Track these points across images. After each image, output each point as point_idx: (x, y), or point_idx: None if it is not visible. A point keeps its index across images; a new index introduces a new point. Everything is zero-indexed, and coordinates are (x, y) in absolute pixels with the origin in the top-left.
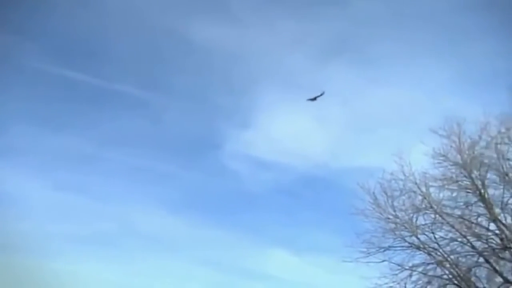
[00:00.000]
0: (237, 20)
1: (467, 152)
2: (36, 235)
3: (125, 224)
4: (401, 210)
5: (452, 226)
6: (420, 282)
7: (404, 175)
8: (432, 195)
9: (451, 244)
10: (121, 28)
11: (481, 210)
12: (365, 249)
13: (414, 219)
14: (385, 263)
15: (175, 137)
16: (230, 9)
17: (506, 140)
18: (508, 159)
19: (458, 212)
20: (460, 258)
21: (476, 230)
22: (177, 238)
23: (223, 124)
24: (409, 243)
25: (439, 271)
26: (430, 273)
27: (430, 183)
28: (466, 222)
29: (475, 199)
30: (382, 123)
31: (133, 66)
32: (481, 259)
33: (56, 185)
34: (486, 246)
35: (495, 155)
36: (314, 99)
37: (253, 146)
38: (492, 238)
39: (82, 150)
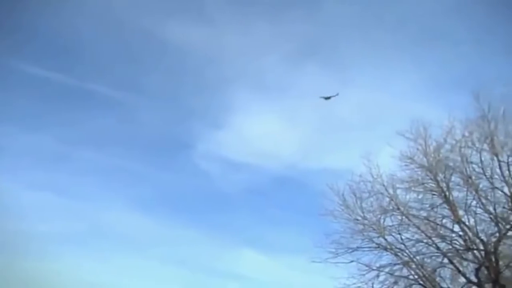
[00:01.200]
0: (211, 21)
1: (432, 155)
2: (8, 234)
3: (97, 223)
4: (369, 211)
5: (418, 228)
6: (387, 282)
7: (372, 177)
8: (399, 197)
9: (417, 245)
10: (95, 28)
11: (446, 212)
12: (334, 250)
13: (382, 221)
14: (353, 263)
15: (148, 136)
16: (204, 11)
17: (470, 144)
18: (471, 163)
19: (424, 214)
20: (425, 259)
21: (441, 232)
22: (149, 237)
23: (195, 124)
24: (376, 244)
25: (405, 271)
26: (397, 273)
27: (397, 185)
28: (432, 224)
29: (440, 201)
30: (352, 125)
31: (107, 66)
32: (446, 260)
33: (29, 184)
34: (450, 247)
35: (459, 159)
36: (328, 98)
37: (225, 146)
38: (456, 240)
39: (55, 149)
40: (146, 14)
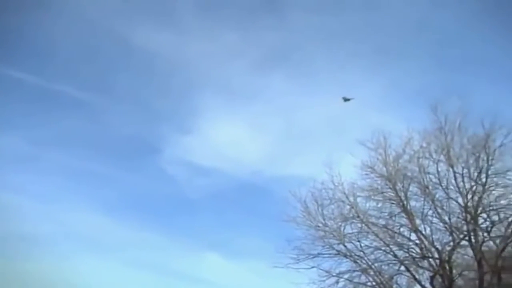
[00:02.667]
0: (180, 25)
1: (392, 165)
2: None
3: (63, 224)
4: (330, 218)
5: (377, 235)
6: None
7: (334, 184)
8: (359, 205)
9: (375, 252)
10: (63, 28)
11: (404, 220)
12: (295, 256)
13: (342, 228)
14: (314, 269)
15: (115, 139)
16: (173, 15)
17: (427, 155)
18: (429, 173)
19: (382, 222)
20: (383, 266)
21: (399, 240)
22: (114, 240)
23: (163, 128)
24: (336, 250)
25: (363, 278)
26: (356, 280)
27: (358, 193)
28: (390, 232)
29: (398, 210)
30: (315, 134)
31: (75, 67)
32: (402, 268)
33: None
34: (407, 255)
35: (417, 169)
36: (348, 100)
37: (192, 151)
38: (412, 248)
39: (21, 150)
40: (115, 16)
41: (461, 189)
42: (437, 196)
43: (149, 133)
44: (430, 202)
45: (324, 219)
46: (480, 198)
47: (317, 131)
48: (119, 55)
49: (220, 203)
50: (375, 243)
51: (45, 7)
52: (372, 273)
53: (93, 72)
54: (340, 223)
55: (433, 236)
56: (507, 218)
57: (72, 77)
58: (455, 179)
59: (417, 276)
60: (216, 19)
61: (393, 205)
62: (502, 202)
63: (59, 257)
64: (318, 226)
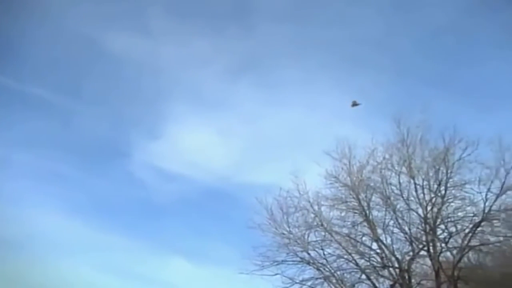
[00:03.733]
0: (151, 31)
1: (356, 175)
2: None
3: (31, 226)
4: (295, 226)
5: (340, 244)
6: None
7: (299, 193)
8: (323, 213)
9: (338, 260)
10: (34, 30)
11: (366, 230)
12: (260, 262)
13: (306, 236)
14: (278, 276)
15: (84, 142)
16: (144, 20)
17: (390, 166)
18: (391, 184)
19: (345, 231)
20: (345, 274)
21: (361, 249)
22: (82, 243)
23: (132, 132)
24: (300, 258)
25: (326, 285)
26: (318, 287)
27: (322, 202)
28: (352, 241)
29: (361, 219)
30: (282, 142)
31: (45, 70)
32: (363, 276)
33: None
34: (368, 264)
35: (379, 180)
36: (356, 105)
37: (160, 156)
38: (373, 257)
39: None
40: (87, 20)
41: (421, 201)
42: (398, 206)
43: (118, 137)
44: (392, 213)
45: (289, 227)
46: (439, 209)
47: (284, 140)
48: (90, 58)
49: (187, 208)
50: (338, 252)
51: (15, 10)
52: (334, 281)
53: (63, 75)
54: (304, 231)
55: (394, 246)
56: (464, 229)
57: (42, 80)
58: (416, 190)
59: (377, 285)
60: (186, 26)
61: (356, 214)
62: (460, 214)
63: (27, 260)
64: (283, 234)
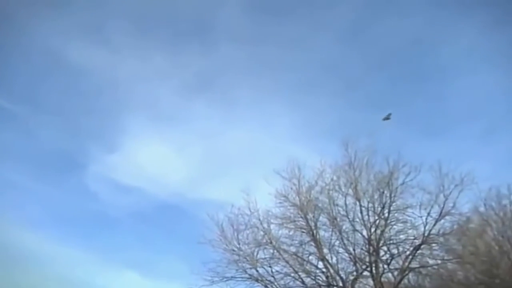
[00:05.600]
0: (111, 45)
1: (304, 195)
2: None
3: None
4: (244, 243)
5: (287, 262)
6: None
7: (250, 211)
8: (272, 231)
9: (285, 278)
10: None
11: (312, 249)
12: (210, 278)
13: (255, 253)
14: None
15: (40, 152)
16: (105, 33)
17: (337, 188)
18: (337, 205)
19: (293, 249)
20: None
21: (307, 267)
22: (35, 254)
23: (88, 144)
24: (249, 274)
25: None
26: None
27: (272, 221)
28: (299, 259)
29: (308, 239)
30: (235, 161)
31: (4, 79)
32: None
33: None
34: (314, 282)
35: (327, 200)
36: (388, 118)
37: (116, 169)
38: (319, 276)
39: None
40: (49, 31)
41: (365, 222)
42: (344, 227)
43: (74, 148)
44: (338, 233)
45: (239, 244)
46: (382, 231)
47: (237, 157)
48: (50, 69)
49: (140, 222)
50: (285, 269)
51: None
52: None
53: (21, 85)
54: (253, 248)
55: (339, 265)
56: (405, 252)
57: (2, 88)
58: (361, 212)
59: None
60: (146, 40)
61: (303, 233)
62: (401, 236)
63: None
64: (233, 250)
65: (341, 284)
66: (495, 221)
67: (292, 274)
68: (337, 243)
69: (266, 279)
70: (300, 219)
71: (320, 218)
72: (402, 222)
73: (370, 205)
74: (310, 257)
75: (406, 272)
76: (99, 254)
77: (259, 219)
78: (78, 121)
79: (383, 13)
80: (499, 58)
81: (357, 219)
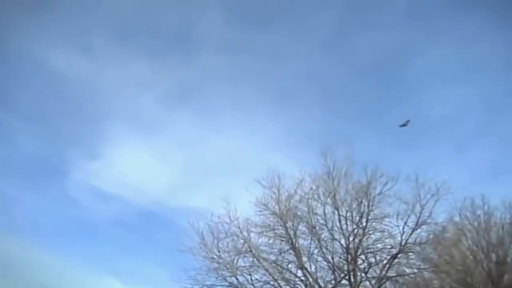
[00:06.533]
0: (93, 52)
1: (284, 204)
2: None
3: None
4: (224, 251)
5: (267, 270)
6: None
7: (230, 219)
8: (252, 240)
9: (265, 286)
10: None
11: (292, 257)
12: (190, 285)
13: (235, 261)
14: None
15: (20, 158)
16: (86, 40)
17: (316, 197)
18: (316, 214)
19: (272, 257)
20: None
21: (286, 275)
22: (16, 262)
23: (69, 151)
24: (229, 282)
25: None
26: None
27: (251, 229)
28: (279, 268)
29: (287, 247)
30: (215, 169)
31: None
32: None
33: None
34: None
35: (306, 209)
36: (404, 125)
37: (96, 176)
38: (298, 284)
39: None
40: (29, 37)
41: (344, 231)
42: (323, 236)
43: (55, 155)
44: (316, 242)
45: (219, 252)
46: (360, 240)
47: (218, 165)
48: (31, 75)
49: (122, 229)
50: (265, 277)
51: None
52: None
53: (1, 91)
54: (233, 256)
55: (317, 274)
56: (382, 260)
57: None
58: (340, 221)
59: None
60: (128, 48)
61: (283, 242)
62: (379, 245)
63: None
64: (213, 258)
65: None
66: (470, 231)
67: (272, 282)
68: (316, 251)
69: (246, 287)
70: (280, 227)
71: (299, 226)
72: (379, 231)
73: (349, 214)
74: (290, 265)
75: (384, 280)
76: (80, 261)
77: (239, 227)
78: (60, 128)
79: (362, 24)
80: (475, 69)
81: (336, 228)
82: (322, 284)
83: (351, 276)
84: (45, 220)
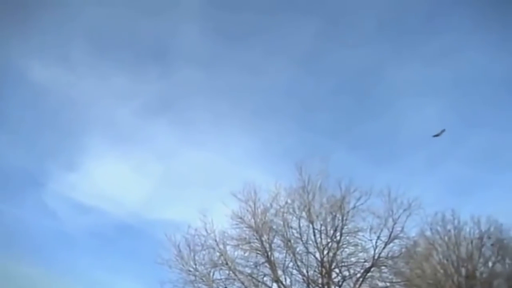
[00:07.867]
0: (72, 63)
1: (260, 217)
2: None
3: None
4: (201, 264)
5: (243, 283)
6: None
7: (206, 232)
8: (228, 253)
9: None
10: None
11: (267, 270)
12: None
13: (211, 274)
14: None
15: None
16: (66, 52)
17: (291, 211)
18: (291, 228)
19: (248, 270)
20: None
21: None
22: None
23: (47, 163)
24: None
25: None
26: None
27: (228, 242)
28: (254, 281)
29: (263, 260)
30: (192, 181)
31: None
32: None
33: None
34: None
35: (281, 223)
36: (437, 135)
37: (75, 188)
38: None
39: None
40: (7, 48)
41: (318, 245)
42: (297, 249)
43: (33, 166)
44: (291, 255)
45: (195, 264)
46: (334, 254)
47: (195, 178)
48: (9, 86)
49: (99, 241)
50: None
51: None
52: None
53: None
54: (210, 269)
55: (292, 287)
56: (356, 274)
57: None
58: (314, 235)
59: None
60: (108, 61)
61: (258, 255)
62: (353, 259)
63: None
64: (190, 271)
65: None
66: (440, 245)
67: None
68: (291, 264)
69: None
70: (256, 240)
71: (275, 240)
72: (353, 245)
73: (323, 228)
74: (265, 278)
75: None
76: (58, 273)
77: (215, 240)
78: (38, 139)
79: (337, 41)
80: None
81: (310, 242)
82: None
83: None
84: (22, 231)
